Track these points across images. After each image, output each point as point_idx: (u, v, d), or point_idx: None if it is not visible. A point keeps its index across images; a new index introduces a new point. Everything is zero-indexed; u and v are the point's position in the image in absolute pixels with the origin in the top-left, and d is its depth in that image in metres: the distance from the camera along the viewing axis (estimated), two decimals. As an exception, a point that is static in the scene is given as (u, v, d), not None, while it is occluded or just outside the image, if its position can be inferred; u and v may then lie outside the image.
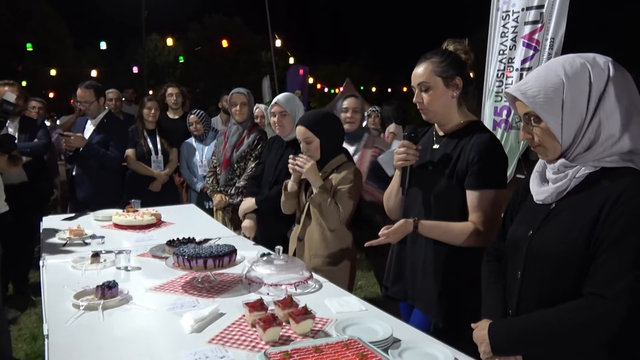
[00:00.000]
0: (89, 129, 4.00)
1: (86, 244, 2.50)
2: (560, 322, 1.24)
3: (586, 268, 1.23)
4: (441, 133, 1.89)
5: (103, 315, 1.63)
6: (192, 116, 4.21)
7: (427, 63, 1.80)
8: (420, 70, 1.80)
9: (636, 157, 1.24)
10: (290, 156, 2.43)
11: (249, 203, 2.99)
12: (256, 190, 3.04)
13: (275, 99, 2.95)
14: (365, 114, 6.27)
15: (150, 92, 15.73)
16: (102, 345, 1.44)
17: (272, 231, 2.87)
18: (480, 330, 1.40)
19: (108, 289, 1.73)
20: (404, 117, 5.84)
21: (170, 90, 4.80)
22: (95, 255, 2.17)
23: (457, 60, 1.81)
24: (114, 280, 1.78)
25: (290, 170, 2.44)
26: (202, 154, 4.19)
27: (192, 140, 4.27)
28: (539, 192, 1.37)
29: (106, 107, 4.15)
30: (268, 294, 1.82)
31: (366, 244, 1.90)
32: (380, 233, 1.83)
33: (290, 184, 2.52)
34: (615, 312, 1.17)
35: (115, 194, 4.00)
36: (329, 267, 2.35)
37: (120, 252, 2.14)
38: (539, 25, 3.37)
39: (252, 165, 3.42)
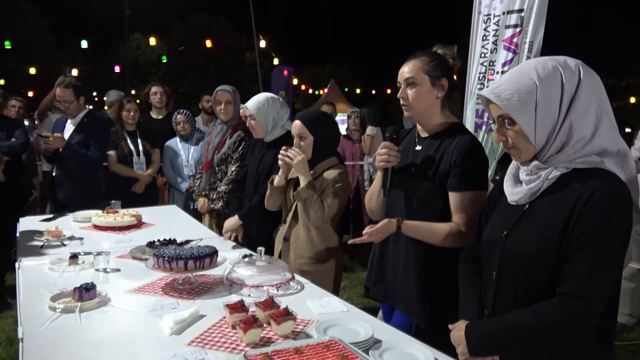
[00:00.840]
0: (69, 128, 3.93)
1: (64, 245, 2.46)
2: (535, 322, 1.26)
3: (559, 268, 1.25)
4: (423, 135, 1.91)
5: (80, 317, 1.60)
6: (179, 116, 4.17)
7: (417, 60, 1.82)
8: (408, 67, 1.82)
9: (606, 158, 1.27)
10: (283, 147, 2.40)
11: (233, 221, 2.71)
12: (239, 195, 2.98)
13: (245, 104, 2.91)
14: (346, 115, 6.33)
15: (133, 92, 15.54)
16: (78, 349, 1.41)
17: (258, 233, 2.84)
18: (457, 332, 1.42)
19: (86, 291, 1.70)
20: (384, 119, 5.87)
21: (154, 89, 4.74)
22: (74, 256, 2.13)
23: (446, 63, 1.84)
24: (92, 282, 1.75)
25: (280, 163, 2.42)
26: (188, 154, 4.15)
27: (176, 140, 4.23)
28: (513, 193, 1.39)
29: (87, 107, 4.07)
30: (249, 295, 1.81)
31: (349, 242, 1.91)
32: (364, 232, 1.84)
33: (277, 178, 2.49)
34: (588, 311, 1.20)
35: (96, 194, 3.94)
36: (314, 268, 2.34)
37: (99, 253, 2.11)
38: (519, 29, 3.42)
39: (233, 168, 3.36)
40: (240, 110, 3.01)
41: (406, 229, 1.80)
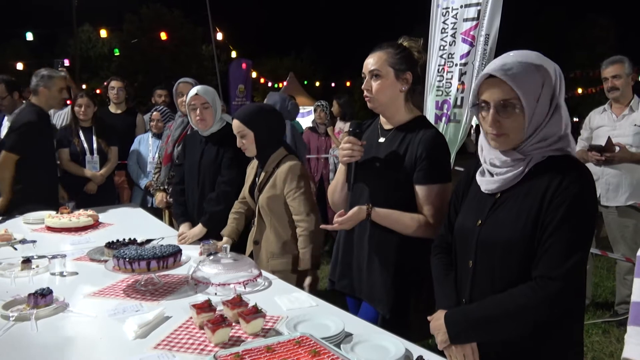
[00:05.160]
0: (6, 125, 3.72)
1: (15, 249, 2.33)
2: (513, 305, 1.30)
3: (534, 253, 1.30)
4: (387, 127, 1.91)
5: (37, 325, 1.52)
6: (155, 113, 4.06)
7: (382, 52, 1.81)
8: (373, 59, 1.81)
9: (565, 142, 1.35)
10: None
11: (198, 229, 2.57)
12: (182, 200, 2.80)
13: (194, 90, 2.69)
14: (306, 108, 6.29)
15: (84, 87, 14.90)
16: (36, 358, 1.34)
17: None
18: (437, 321, 1.43)
19: (42, 297, 1.62)
20: (352, 111, 5.90)
21: (113, 83, 4.57)
22: (26, 261, 2.03)
23: (411, 56, 1.84)
24: (48, 287, 1.67)
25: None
26: (155, 151, 4.02)
27: (148, 135, 4.13)
28: (489, 182, 1.42)
29: (23, 101, 3.85)
30: (216, 294, 1.78)
31: (321, 226, 1.90)
32: (334, 220, 1.83)
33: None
34: (564, 292, 1.26)
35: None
36: (287, 267, 2.30)
37: (54, 256, 2.02)
38: (476, 22, 3.49)
39: None
40: (191, 100, 2.76)
41: (376, 216, 1.80)
